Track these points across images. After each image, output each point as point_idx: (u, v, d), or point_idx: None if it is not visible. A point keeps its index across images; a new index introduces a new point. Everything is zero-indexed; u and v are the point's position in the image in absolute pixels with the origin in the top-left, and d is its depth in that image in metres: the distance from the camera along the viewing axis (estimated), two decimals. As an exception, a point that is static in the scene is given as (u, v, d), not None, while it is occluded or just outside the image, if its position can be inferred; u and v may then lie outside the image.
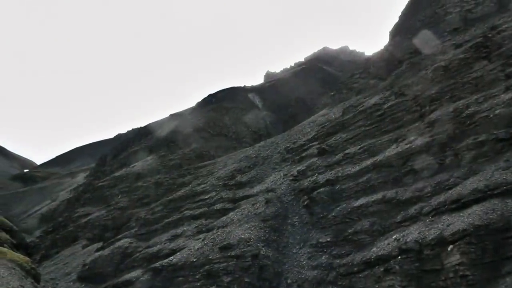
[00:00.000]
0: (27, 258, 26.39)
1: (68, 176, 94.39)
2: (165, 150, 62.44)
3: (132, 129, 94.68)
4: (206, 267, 28.72)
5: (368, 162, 30.38)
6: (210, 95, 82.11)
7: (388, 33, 61.28)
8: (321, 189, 31.47)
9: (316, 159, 36.27)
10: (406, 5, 58.83)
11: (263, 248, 28.53)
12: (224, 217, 34.50)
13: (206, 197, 39.90)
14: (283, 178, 36.91)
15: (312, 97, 73.41)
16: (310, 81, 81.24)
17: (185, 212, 38.76)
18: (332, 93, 57.54)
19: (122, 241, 38.94)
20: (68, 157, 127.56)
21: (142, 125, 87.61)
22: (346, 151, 33.92)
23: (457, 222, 20.51)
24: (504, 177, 20.96)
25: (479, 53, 31.49)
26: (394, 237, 23.30)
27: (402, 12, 59.23)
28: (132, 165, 60.65)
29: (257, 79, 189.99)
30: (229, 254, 28.67)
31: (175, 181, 49.62)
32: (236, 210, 34.78)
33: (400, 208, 25.05)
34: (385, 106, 35.34)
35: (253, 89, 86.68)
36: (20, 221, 66.50)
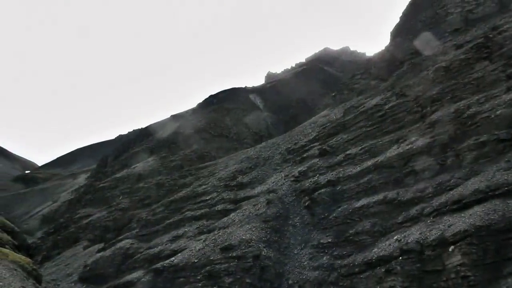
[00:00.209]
0: (28, 259, 26.44)
1: (70, 177, 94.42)
2: (166, 151, 62.46)
3: (133, 130, 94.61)
4: (208, 268, 28.74)
5: (369, 163, 30.38)
6: (211, 96, 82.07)
7: (389, 34, 61.21)
8: (322, 190, 31.48)
9: (317, 160, 36.28)
10: (407, 6, 58.75)
11: (264, 249, 28.54)
12: (225, 218, 34.53)
13: (207, 198, 39.93)
14: (284, 179, 36.92)
15: (313, 97, 73.40)
16: (311, 82, 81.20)
17: (186, 213, 38.79)
18: (333, 94, 57.53)
19: (123, 242, 38.99)
20: (69, 158, 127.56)
21: (143, 126, 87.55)
22: (347, 152, 33.93)
23: (458, 222, 20.50)
24: (506, 177, 20.94)
25: (480, 54, 31.49)
26: (395, 237, 23.30)
27: (403, 13, 59.16)
28: (133, 166, 60.71)
29: (258, 80, 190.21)
30: (230, 255, 28.69)
31: (176, 182, 49.65)
32: (237, 211, 34.80)
33: (401, 208, 25.05)
34: (386, 106, 35.35)
35: (254, 90, 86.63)
36: (21, 222, 66.59)
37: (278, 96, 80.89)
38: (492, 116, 24.78)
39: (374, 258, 23.26)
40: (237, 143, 65.26)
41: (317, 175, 34.14)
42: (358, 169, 30.83)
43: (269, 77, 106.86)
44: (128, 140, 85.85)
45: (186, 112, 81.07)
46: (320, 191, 31.58)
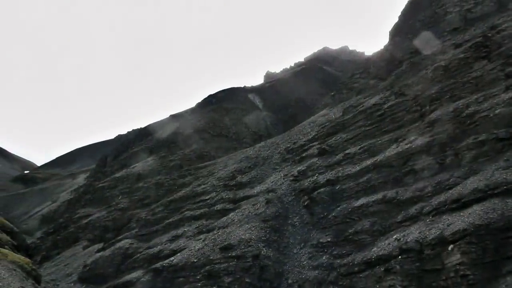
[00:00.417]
0: (28, 260, 26.42)
1: (69, 177, 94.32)
2: (165, 151, 62.43)
3: (133, 130, 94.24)
4: (207, 267, 28.75)
5: (368, 162, 30.40)
6: (210, 96, 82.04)
7: (388, 33, 61.21)
8: (322, 189, 31.50)
9: (317, 159, 36.29)
10: (406, 5, 58.76)
11: (264, 249, 28.55)
12: (225, 218, 34.53)
13: (206, 198, 39.92)
14: (283, 179, 36.93)
15: (312, 97, 73.40)
16: (310, 81, 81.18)
17: (186, 212, 38.79)
18: (332, 93, 57.56)
19: (122, 242, 38.98)
20: (68, 158, 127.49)
21: (143, 126, 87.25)
22: (347, 151, 33.94)
23: (458, 221, 20.53)
24: (505, 176, 20.98)
25: (479, 53, 31.50)
26: (394, 237, 23.32)
27: (402, 12, 59.16)
28: (132, 166, 60.67)
29: (257, 80, 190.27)
30: (229, 254, 28.70)
31: (176, 182, 49.65)
32: (236, 211, 34.80)
33: (401, 208, 25.08)
34: (385, 106, 35.37)
35: (253, 90, 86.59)
36: (20, 223, 66.56)
37: (277, 96, 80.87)
38: (491, 115, 24.80)
39: (373, 257, 23.28)
40: (236, 142, 65.25)
41: (316, 174, 34.16)
42: (357, 168, 30.85)
43: (268, 76, 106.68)
44: (127, 140, 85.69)
45: (185, 112, 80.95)
46: (319, 190, 31.60)
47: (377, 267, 22.71)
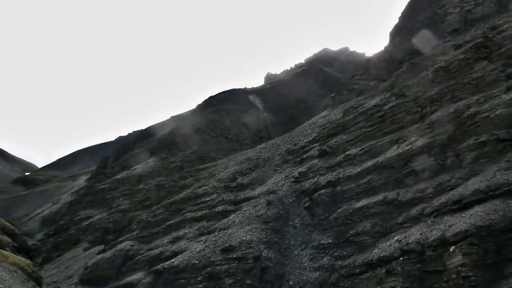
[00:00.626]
0: (29, 261, 26.37)
1: (70, 179, 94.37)
2: (166, 152, 62.43)
3: (133, 131, 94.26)
4: (208, 269, 28.74)
5: (369, 163, 30.38)
6: (210, 97, 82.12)
7: (388, 34, 61.27)
8: (322, 191, 31.48)
9: (317, 160, 36.27)
10: (406, 6, 58.80)
11: (265, 250, 28.52)
12: (226, 219, 34.52)
13: (207, 199, 39.93)
14: (284, 180, 36.92)
15: (312, 98, 73.44)
16: (311, 83, 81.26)
17: (187, 214, 38.79)
18: (333, 95, 57.60)
19: (123, 243, 38.98)
20: (69, 160, 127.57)
21: (143, 128, 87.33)
22: (347, 153, 33.93)
23: (459, 223, 20.49)
24: (506, 177, 20.94)
25: (479, 54, 31.49)
26: (395, 238, 23.29)
27: (402, 13, 59.20)
28: (133, 168, 60.70)
29: (257, 81, 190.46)
30: (230, 256, 28.68)
31: (176, 184, 49.66)
32: (237, 212, 34.79)
33: (402, 209, 25.04)
34: (386, 107, 35.36)
35: (253, 91, 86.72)
36: (21, 224, 66.55)
37: (278, 97, 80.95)
38: (492, 116, 24.78)
39: (374, 258, 23.25)
40: (237, 144, 65.29)
41: (317, 176, 34.14)
42: (358, 169, 30.83)
43: (269, 78, 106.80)
44: (128, 142, 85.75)
45: (186, 113, 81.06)
46: (320, 191, 31.58)
47: (378, 268, 22.68)
